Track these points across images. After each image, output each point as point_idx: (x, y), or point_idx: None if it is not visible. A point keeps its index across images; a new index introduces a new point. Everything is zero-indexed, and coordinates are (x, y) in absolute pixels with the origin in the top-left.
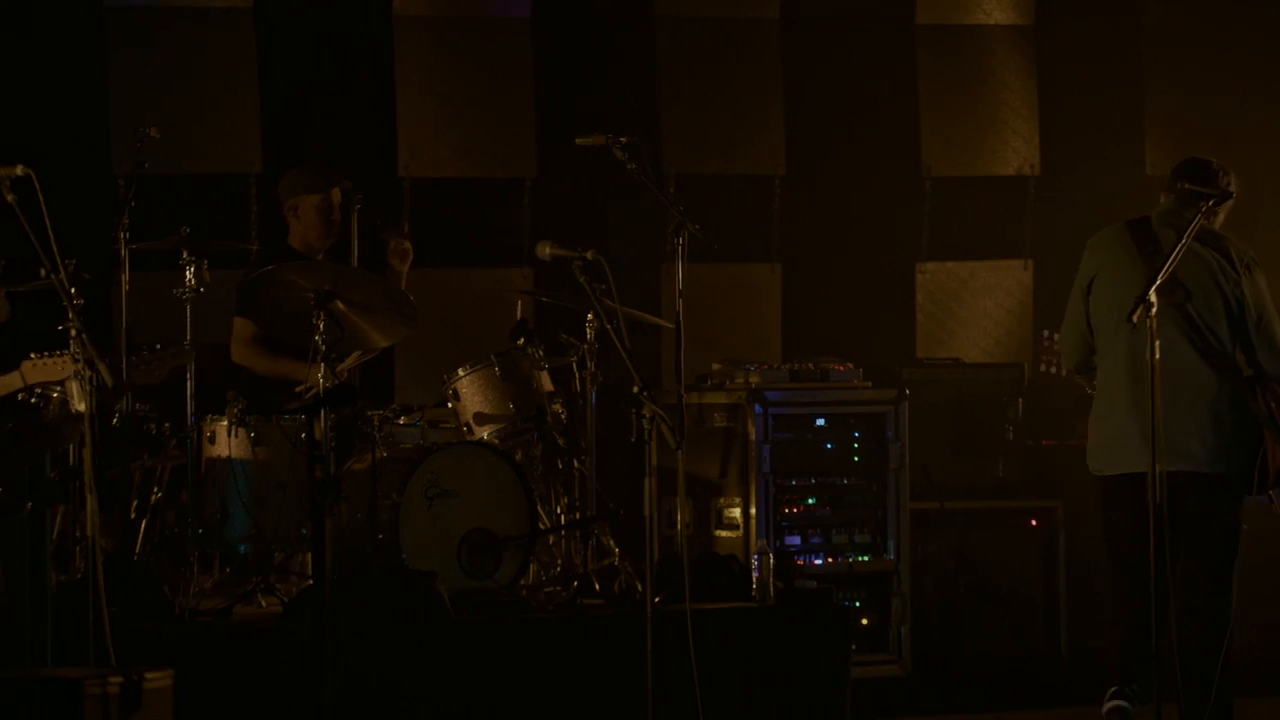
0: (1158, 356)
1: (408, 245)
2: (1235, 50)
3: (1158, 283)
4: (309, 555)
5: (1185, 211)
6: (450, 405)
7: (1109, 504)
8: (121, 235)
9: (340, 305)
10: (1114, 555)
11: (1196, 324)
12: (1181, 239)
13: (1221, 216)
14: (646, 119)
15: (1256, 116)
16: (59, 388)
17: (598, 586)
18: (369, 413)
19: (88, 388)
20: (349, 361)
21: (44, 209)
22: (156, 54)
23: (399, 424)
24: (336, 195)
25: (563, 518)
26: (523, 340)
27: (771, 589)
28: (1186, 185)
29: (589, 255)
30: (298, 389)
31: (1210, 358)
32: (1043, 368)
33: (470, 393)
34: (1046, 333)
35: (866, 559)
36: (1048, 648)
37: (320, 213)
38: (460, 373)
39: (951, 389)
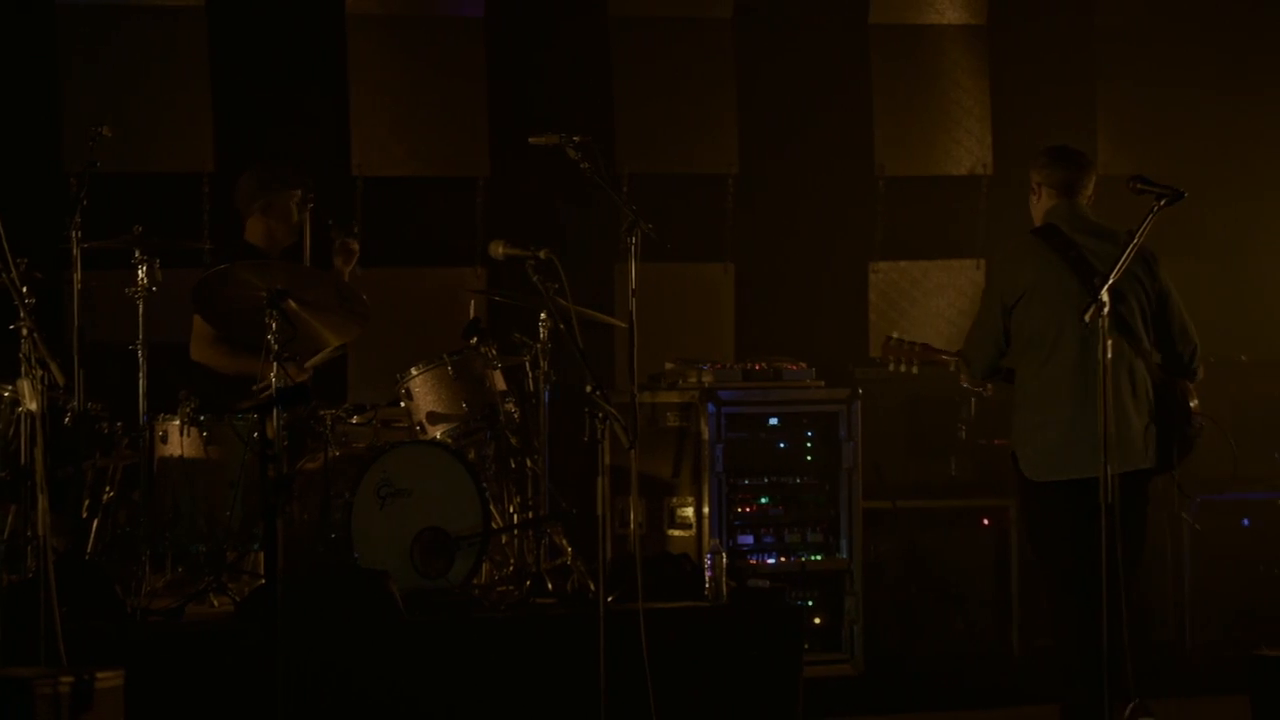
0: (1109, 356)
1: (355, 246)
2: (1186, 48)
3: (1110, 281)
4: (261, 554)
5: (1082, 209)
6: (403, 404)
7: (1049, 510)
8: (74, 234)
9: (293, 304)
10: (1057, 562)
11: (1129, 324)
12: (1132, 240)
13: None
14: (600, 118)
15: (1207, 113)
16: (10, 387)
17: (550, 586)
18: (321, 412)
19: (39, 386)
20: (321, 356)
21: None
22: (109, 52)
23: (352, 423)
24: (297, 197)
25: (515, 517)
26: (476, 339)
27: (724, 588)
28: (1140, 185)
29: (542, 254)
30: (254, 387)
31: (1142, 357)
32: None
33: (423, 392)
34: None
35: (819, 558)
36: (1000, 647)
37: (281, 217)
38: (413, 372)
39: (904, 388)
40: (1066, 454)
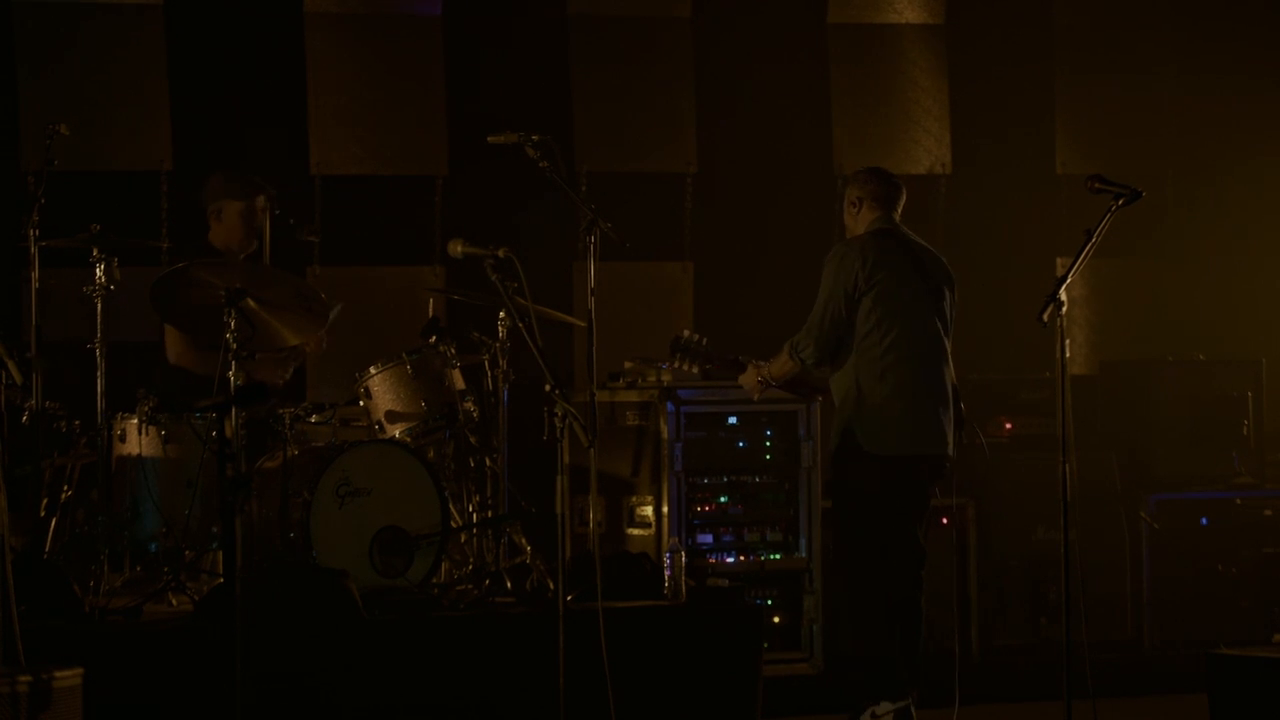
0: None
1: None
2: (1146, 48)
3: (1068, 280)
4: (220, 553)
5: (898, 218)
6: (362, 403)
7: (880, 480)
8: (31, 232)
9: (251, 303)
10: (876, 536)
11: (946, 319)
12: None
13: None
14: (558, 117)
15: (1167, 113)
16: None
17: (509, 585)
18: (280, 411)
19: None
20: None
21: None
22: (66, 50)
23: (310, 422)
24: (261, 203)
25: (474, 516)
26: (435, 338)
27: (683, 587)
28: (1098, 185)
29: (501, 253)
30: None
31: (948, 350)
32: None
33: (382, 391)
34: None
35: (778, 557)
36: (960, 645)
37: (243, 219)
38: (372, 371)
39: None
40: (912, 430)
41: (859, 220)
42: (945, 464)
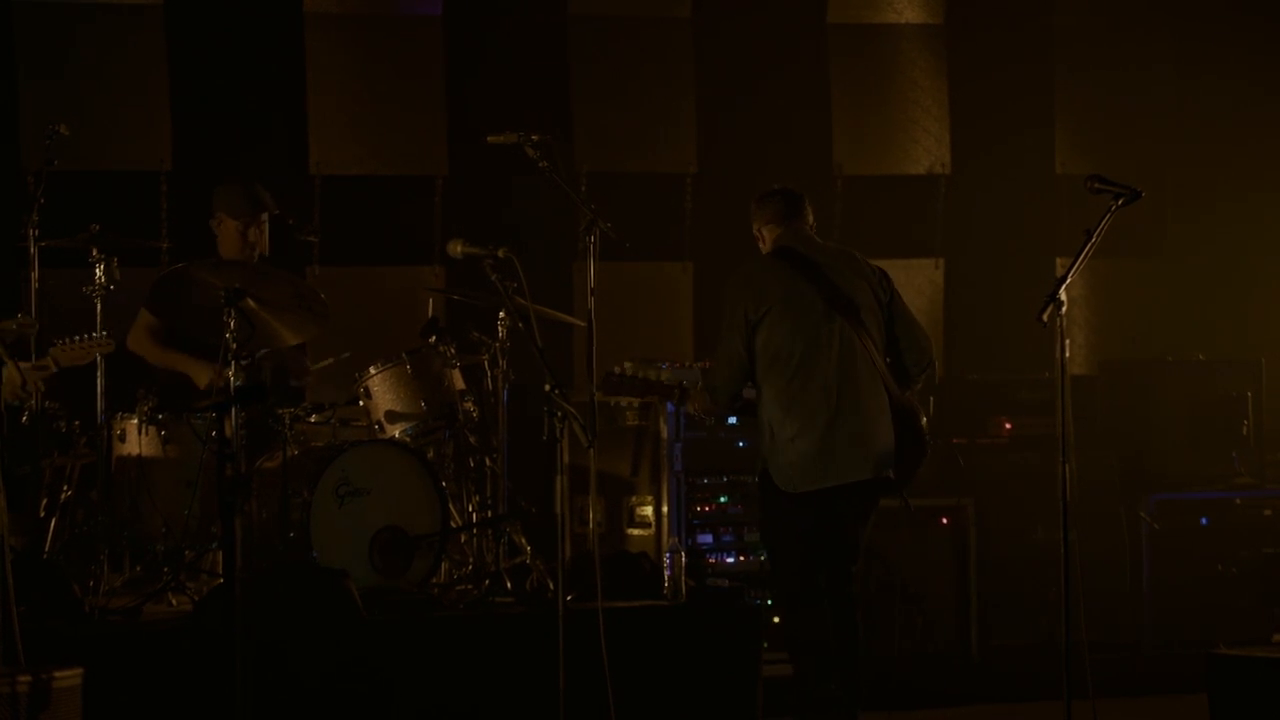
0: (861, 364)
1: None
2: (1145, 49)
3: (1068, 280)
4: (219, 553)
5: (807, 232)
6: (362, 403)
7: (800, 520)
8: (31, 232)
9: (251, 303)
10: (801, 571)
11: (871, 337)
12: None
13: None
14: (558, 117)
15: (1166, 113)
16: None
17: (509, 585)
18: (280, 410)
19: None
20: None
21: None
22: (67, 50)
23: (310, 422)
24: (262, 220)
25: (474, 516)
26: (434, 338)
27: (683, 587)
28: (1098, 185)
29: (500, 253)
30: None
31: (879, 368)
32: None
33: (382, 391)
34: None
35: None
36: (958, 646)
37: (239, 236)
38: (372, 371)
39: None
40: (821, 464)
41: (767, 246)
42: (874, 487)
